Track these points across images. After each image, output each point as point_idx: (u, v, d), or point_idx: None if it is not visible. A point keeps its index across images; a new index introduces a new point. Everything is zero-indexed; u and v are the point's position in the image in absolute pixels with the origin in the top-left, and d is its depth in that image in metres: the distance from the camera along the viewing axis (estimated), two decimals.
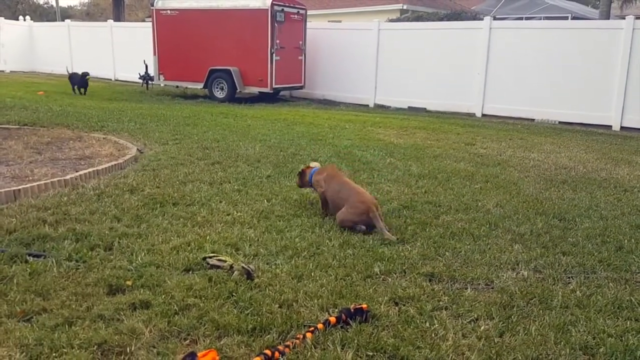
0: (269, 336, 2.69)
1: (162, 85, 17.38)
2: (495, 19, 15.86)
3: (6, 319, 2.76)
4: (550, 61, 12.96)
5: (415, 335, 2.76)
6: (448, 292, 3.27)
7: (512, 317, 3.01)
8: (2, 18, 25.71)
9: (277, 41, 14.66)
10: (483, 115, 13.95)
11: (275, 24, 14.53)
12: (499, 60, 13.64)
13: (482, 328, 2.87)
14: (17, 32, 25.02)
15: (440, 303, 3.13)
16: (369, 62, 15.68)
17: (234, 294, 3.12)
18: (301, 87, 16.39)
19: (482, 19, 14.85)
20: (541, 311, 3.09)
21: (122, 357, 2.50)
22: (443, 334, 2.78)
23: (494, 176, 6.58)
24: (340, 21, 23.11)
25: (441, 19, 18.85)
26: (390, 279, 3.44)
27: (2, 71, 23.80)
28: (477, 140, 9.56)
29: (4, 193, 4.77)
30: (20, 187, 4.95)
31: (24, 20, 26.58)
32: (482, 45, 13.78)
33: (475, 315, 3.01)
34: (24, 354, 2.47)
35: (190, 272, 3.41)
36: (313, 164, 5.03)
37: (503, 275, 3.57)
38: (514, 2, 25.37)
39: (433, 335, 2.77)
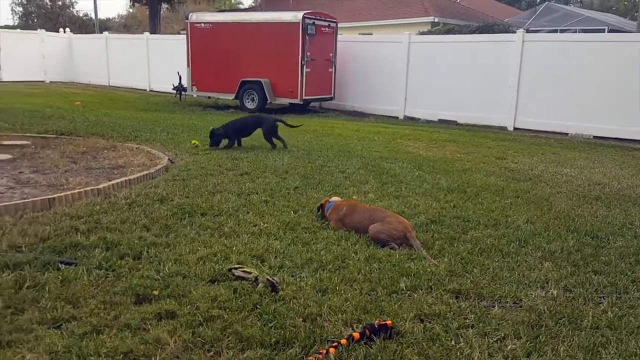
0: (292, 350, 2.69)
1: (194, 96, 17.69)
2: (528, 31, 15.67)
3: (37, 326, 2.83)
4: (585, 74, 12.70)
5: (440, 353, 2.72)
6: (475, 310, 3.22)
7: (540, 337, 2.94)
8: (44, 30, 26.63)
9: (308, 53, 14.79)
10: (515, 128, 13.74)
11: (306, 37, 14.67)
12: (532, 73, 13.43)
13: (509, 347, 2.81)
14: (58, 43, 25.87)
15: (467, 321, 3.07)
16: (399, 74, 15.66)
17: (258, 306, 3.13)
18: (331, 99, 16.48)
19: (514, 32, 14.67)
20: (570, 332, 3.01)
21: None
22: (469, 353, 2.73)
23: (525, 191, 6.46)
24: (371, 34, 23.14)
25: (473, 32, 18.69)
26: (416, 295, 3.40)
27: (43, 82, 24.59)
28: (508, 155, 9.42)
29: (40, 201, 4.91)
30: (55, 195, 5.09)
31: (64, 32, 27.46)
32: (515, 58, 13.60)
33: (502, 334, 2.95)
34: None
35: (216, 283, 3.44)
36: (333, 198, 5.04)
37: (532, 294, 3.50)
38: (548, 15, 24.99)
39: (458, 354, 2.72)
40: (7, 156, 7.12)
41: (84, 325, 2.84)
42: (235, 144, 8.73)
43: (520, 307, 3.32)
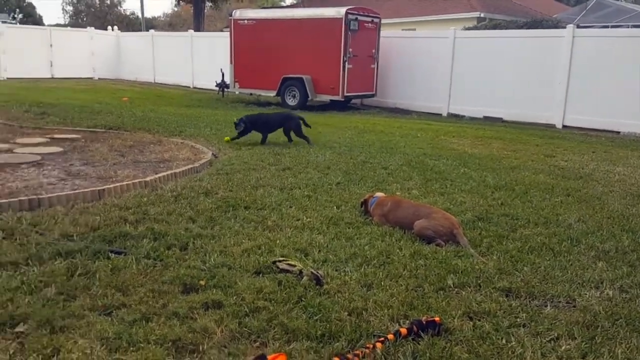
0: (338, 343, 2.66)
1: (236, 92, 17.88)
2: (578, 27, 15.14)
3: (88, 312, 2.89)
4: (638, 71, 12.16)
5: (491, 352, 2.64)
6: (526, 309, 3.11)
7: (596, 338, 2.82)
8: (93, 28, 27.47)
9: (350, 49, 14.71)
10: (564, 126, 13.32)
11: (349, 33, 14.59)
12: (582, 69, 12.98)
13: (563, 348, 2.71)
14: (106, 41, 26.62)
15: (518, 320, 2.98)
16: (444, 70, 15.40)
17: (303, 299, 3.11)
18: (373, 96, 16.35)
19: (564, 27, 14.21)
20: (628, 333, 2.88)
21: (195, 355, 2.55)
22: (520, 352, 2.64)
23: (576, 190, 6.24)
24: (414, 29, 22.87)
25: (520, 27, 18.19)
26: (464, 292, 3.31)
27: (91, 78, 25.36)
28: (558, 152, 9.13)
29: (90, 192, 5.05)
30: (104, 187, 5.22)
31: (112, 30, 28.25)
32: (564, 53, 13.18)
33: (556, 335, 2.84)
34: (104, 346, 2.57)
35: (261, 275, 3.45)
36: (377, 194, 4.98)
37: (586, 294, 3.36)
38: (598, 10, 24.04)
39: (510, 353, 2.64)
40: (59, 149, 7.36)
41: (134, 312, 2.89)
42: (241, 138, 8.59)
43: (574, 307, 3.20)
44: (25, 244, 3.77)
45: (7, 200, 4.63)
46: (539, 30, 15.82)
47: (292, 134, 8.84)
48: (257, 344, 2.67)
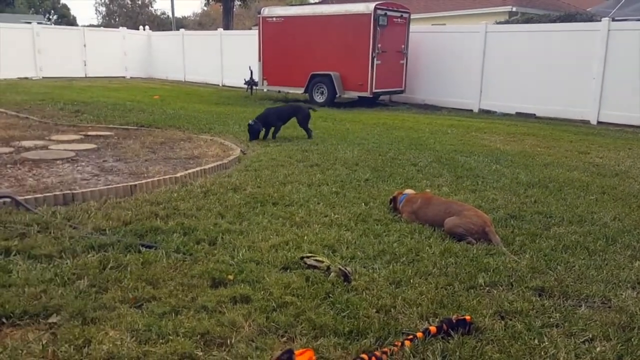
0: (365, 340, 2.64)
1: (265, 90, 17.95)
2: (613, 20, 14.70)
3: (119, 304, 2.93)
4: None
5: (523, 352, 2.58)
6: (560, 309, 3.03)
7: (633, 339, 2.73)
8: (125, 28, 27.96)
9: (379, 45, 14.60)
10: (599, 122, 12.97)
11: (378, 28, 14.48)
12: (619, 64, 12.60)
13: (597, 349, 2.63)
14: (138, 41, 27.04)
15: (551, 320, 2.91)
16: (474, 65, 15.16)
17: (330, 295, 3.10)
18: (401, 92, 16.20)
19: (599, 20, 13.82)
20: None
21: (223, 348, 2.57)
22: (554, 353, 2.57)
23: (612, 187, 6.07)
24: (444, 24, 22.58)
25: (553, 22, 17.76)
26: (495, 291, 3.25)
27: (124, 77, 25.81)
28: (592, 149, 8.89)
29: (122, 188, 5.14)
30: (136, 182, 5.31)
31: (144, 29, 28.69)
32: (599, 47, 12.82)
33: (590, 335, 2.76)
34: (134, 338, 2.61)
35: (288, 271, 3.45)
36: (407, 191, 4.92)
37: (622, 294, 3.26)
38: (635, 3, 23.27)
39: (542, 353, 2.57)
40: (93, 146, 7.51)
41: (164, 305, 2.92)
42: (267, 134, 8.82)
43: (610, 307, 3.11)
44: (59, 238, 3.85)
45: (42, 195, 4.75)
46: (573, 24, 15.39)
47: (295, 124, 9.04)
48: (285, 339, 2.67)
